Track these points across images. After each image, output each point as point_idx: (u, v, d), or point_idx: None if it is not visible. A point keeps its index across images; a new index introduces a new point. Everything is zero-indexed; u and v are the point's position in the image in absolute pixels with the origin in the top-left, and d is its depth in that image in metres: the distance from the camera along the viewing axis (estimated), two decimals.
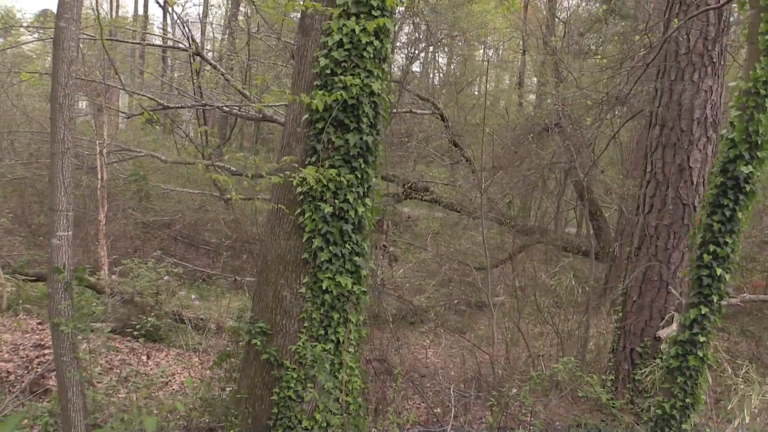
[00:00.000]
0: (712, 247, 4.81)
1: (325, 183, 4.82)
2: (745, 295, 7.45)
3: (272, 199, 5.25)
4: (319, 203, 4.87)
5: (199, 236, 14.16)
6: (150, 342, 9.19)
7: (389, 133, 18.88)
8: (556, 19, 17.74)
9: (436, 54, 27.75)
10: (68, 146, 5.04)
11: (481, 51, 27.31)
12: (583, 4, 18.16)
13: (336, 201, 4.88)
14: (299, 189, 4.87)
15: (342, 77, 4.77)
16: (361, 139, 4.91)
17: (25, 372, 7.00)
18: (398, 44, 25.60)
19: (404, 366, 7.43)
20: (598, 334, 9.65)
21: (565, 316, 9.03)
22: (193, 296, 10.36)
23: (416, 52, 27.00)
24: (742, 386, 5.50)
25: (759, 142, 4.73)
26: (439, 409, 7.13)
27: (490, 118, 15.82)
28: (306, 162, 4.95)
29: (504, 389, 5.98)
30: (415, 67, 27.40)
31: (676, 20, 6.96)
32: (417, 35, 26.74)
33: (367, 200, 5.04)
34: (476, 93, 26.17)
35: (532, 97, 21.21)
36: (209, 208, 14.34)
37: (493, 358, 6.88)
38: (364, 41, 4.79)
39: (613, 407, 6.68)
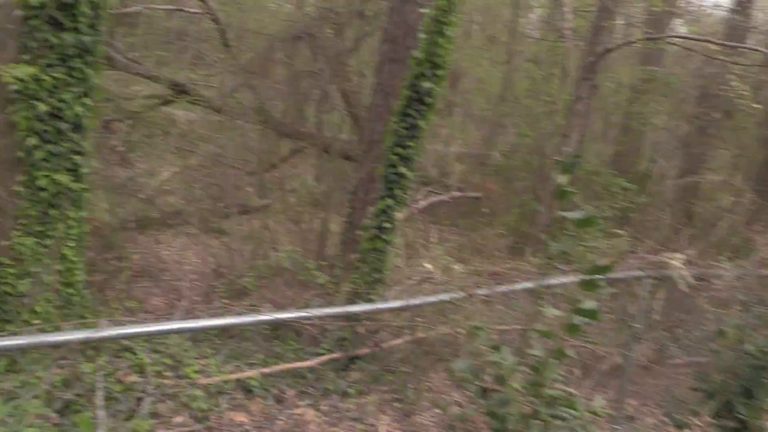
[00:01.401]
0: (398, 149, 5.73)
1: (39, 81, 4.87)
2: (454, 192, 8.74)
3: None
4: (33, 102, 4.91)
5: None
6: None
7: (162, 30, 18.06)
8: None
9: None
10: None
11: None
12: None
13: (52, 100, 4.96)
14: (13, 87, 4.86)
15: None
16: (79, 38, 4.97)
17: None
18: None
19: (148, 263, 7.78)
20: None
21: (312, 214, 9.87)
22: None
23: None
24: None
25: (439, 63, 5.63)
26: (184, 302, 7.61)
27: (269, 25, 15.84)
28: (20, 60, 4.92)
29: (232, 277, 6.63)
30: None
31: None
32: None
33: (87, 100, 5.16)
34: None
35: None
36: None
37: (232, 253, 7.48)
38: None
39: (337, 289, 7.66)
